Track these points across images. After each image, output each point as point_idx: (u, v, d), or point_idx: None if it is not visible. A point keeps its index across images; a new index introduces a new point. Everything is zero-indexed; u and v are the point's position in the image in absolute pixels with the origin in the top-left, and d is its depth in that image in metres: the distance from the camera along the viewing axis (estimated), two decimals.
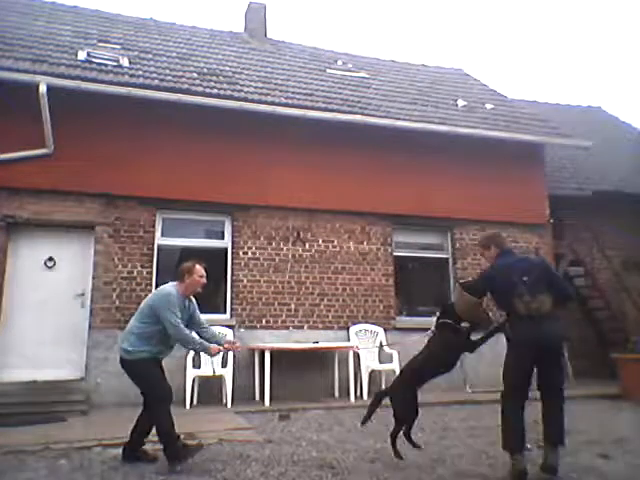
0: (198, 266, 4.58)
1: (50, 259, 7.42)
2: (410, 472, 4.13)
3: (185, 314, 4.46)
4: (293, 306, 8.22)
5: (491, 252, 4.41)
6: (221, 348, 4.61)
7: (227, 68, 9.57)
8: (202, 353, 7.21)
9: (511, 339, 4.05)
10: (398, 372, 7.73)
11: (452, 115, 9.82)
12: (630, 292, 10.64)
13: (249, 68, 9.87)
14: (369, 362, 7.94)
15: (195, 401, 7.11)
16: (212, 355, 4.71)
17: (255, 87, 8.83)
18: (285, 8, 42.26)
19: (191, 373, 7.05)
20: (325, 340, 7.99)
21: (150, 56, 9.18)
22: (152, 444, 4.85)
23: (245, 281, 8.07)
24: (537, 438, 5.29)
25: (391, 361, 7.93)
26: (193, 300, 4.63)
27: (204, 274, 4.59)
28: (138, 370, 4.33)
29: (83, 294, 7.44)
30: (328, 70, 11.11)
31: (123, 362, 4.41)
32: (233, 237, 8.23)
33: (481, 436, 5.41)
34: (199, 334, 4.59)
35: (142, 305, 4.56)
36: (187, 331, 4.36)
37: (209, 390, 7.31)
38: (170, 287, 4.49)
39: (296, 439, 5.26)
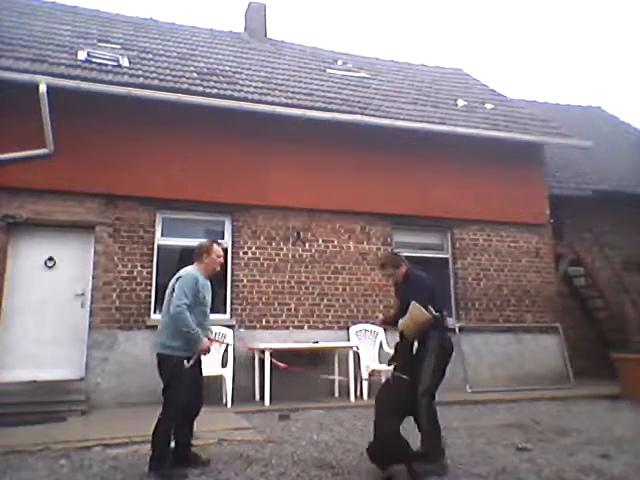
0: (216, 246, 4.54)
1: (50, 259, 7.41)
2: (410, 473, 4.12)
3: (208, 293, 4.41)
4: (293, 306, 8.22)
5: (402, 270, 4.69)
6: (211, 342, 4.46)
7: (227, 68, 9.57)
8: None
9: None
10: None
11: (452, 115, 9.82)
12: (630, 292, 10.64)
13: (249, 68, 9.87)
14: (369, 362, 7.94)
15: None
16: (200, 351, 4.29)
17: (255, 87, 8.82)
18: (285, 8, 42.28)
19: None
20: (325, 340, 7.98)
21: (150, 56, 9.17)
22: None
23: (245, 281, 8.07)
24: (537, 438, 5.33)
25: None
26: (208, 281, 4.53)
27: (222, 254, 4.55)
28: (170, 368, 4.18)
29: (83, 294, 7.44)
30: (328, 70, 11.11)
31: (159, 357, 4.26)
32: (233, 237, 8.23)
33: (481, 436, 5.41)
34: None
35: (167, 293, 4.37)
36: (189, 315, 4.15)
37: (209, 390, 7.26)
38: (192, 269, 4.42)
39: (296, 439, 5.26)
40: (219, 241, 4.65)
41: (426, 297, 4.35)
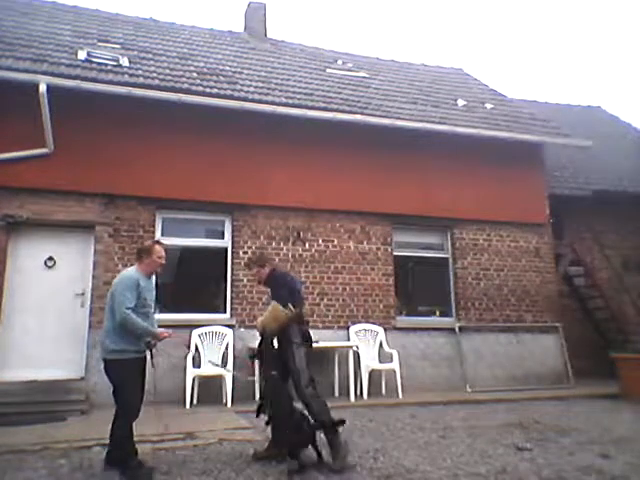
0: (158, 247, 4.48)
1: (50, 259, 7.41)
2: (410, 472, 4.13)
3: (149, 294, 4.38)
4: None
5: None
6: (165, 334, 4.35)
7: (227, 68, 9.57)
8: (203, 354, 7.31)
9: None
10: (398, 372, 7.82)
11: (452, 115, 9.82)
12: (630, 292, 10.64)
13: (249, 68, 9.87)
14: (369, 362, 7.94)
15: (195, 401, 7.11)
16: (155, 341, 4.25)
17: (255, 87, 8.82)
18: (285, 8, 42.29)
19: (191, 373, 7.05)
20: (325, 340, 7.97)
21: (150, 56, 9.17)
22: (152, 444, 4.87)
23: (245, 281, 8.06)
24: (537, 437, 5.33)
25: (391, 361, 7.94)
26: (152, 281, 4.53)
27: (163, 255, 4.48)
28: (118, 371, 4.16)
29: (83, 294, 7.44)
30: (328, 70, 11.11)
31: (104, 363, 4.23)
32: (233, 237, 8.23)
33: (481, 436, 5.41)
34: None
35: (108, 297, 4.38)
36: (136, 317, 4.14)
37: (209, 390, 7.30)
38: (129, 270, 4.42)
39: None
40: (161, 241, 4.63)
41: (287, 295, 4.66)
